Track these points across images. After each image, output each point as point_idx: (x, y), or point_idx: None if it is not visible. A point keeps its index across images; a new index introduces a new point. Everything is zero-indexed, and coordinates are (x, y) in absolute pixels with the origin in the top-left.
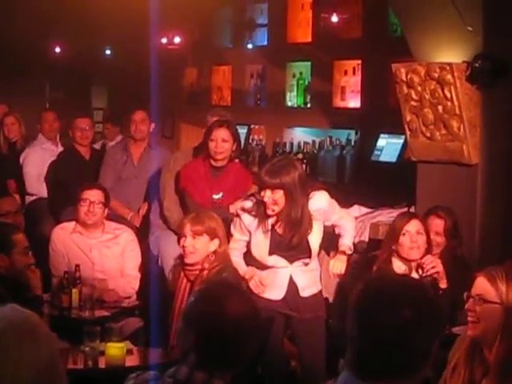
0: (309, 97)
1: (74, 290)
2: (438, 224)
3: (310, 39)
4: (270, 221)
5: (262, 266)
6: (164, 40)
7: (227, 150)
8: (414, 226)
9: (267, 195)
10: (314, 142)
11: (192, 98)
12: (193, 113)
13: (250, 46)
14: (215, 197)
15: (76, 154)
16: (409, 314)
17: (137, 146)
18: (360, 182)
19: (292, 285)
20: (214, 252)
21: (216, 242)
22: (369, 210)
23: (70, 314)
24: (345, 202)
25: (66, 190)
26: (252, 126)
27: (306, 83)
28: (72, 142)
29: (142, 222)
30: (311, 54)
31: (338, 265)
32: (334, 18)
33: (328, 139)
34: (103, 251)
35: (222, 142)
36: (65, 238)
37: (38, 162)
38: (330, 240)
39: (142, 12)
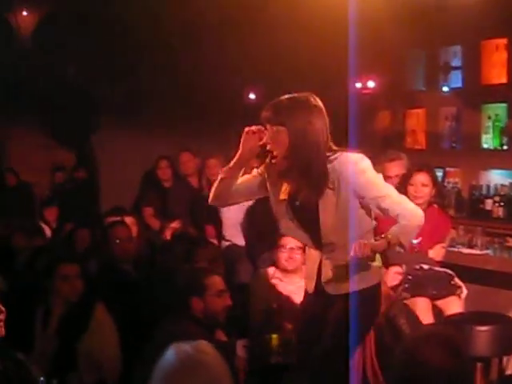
0: (505, 138)
1: (273, 336)
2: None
3: (505, 80)
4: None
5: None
6: (358, 85)
7: (426, 195)
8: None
9: (268, 136)
10: (511, 184)
11: (386, 141)
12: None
13: (445, 88)
14: (413, 241)
15: None
16: None
17: None
18: None
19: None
20: None
21: None
22: None
23: (270, 360)
24: None
25: (262, 235)
26: (447, 169)
27: (502, 125)
28: None
29: None
30: (507, 95)
31: (362, 245)
32: None
33: None
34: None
35: (421, 187)
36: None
37: (236, 207)
38: None
39: (339, 58)
